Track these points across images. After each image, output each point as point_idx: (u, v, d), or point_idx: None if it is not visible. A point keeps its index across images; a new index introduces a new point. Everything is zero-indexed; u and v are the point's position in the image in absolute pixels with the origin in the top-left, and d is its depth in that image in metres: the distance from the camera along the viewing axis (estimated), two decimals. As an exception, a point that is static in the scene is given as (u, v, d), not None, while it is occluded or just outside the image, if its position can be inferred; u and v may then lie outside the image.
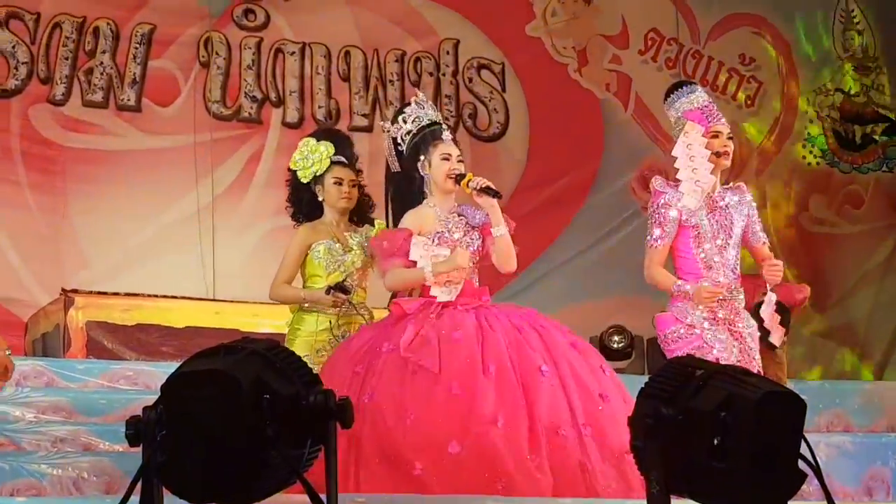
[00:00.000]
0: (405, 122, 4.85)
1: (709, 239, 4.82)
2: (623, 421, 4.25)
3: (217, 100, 9.53)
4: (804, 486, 2.76)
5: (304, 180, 5.30)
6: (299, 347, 5.02)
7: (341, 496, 2.63)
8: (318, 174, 5.27)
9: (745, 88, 10.74)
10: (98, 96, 9.27)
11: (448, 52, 10.21)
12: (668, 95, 5.01)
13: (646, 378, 2.90)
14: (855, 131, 11.01)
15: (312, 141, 5.34)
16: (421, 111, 4.86)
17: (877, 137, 11.02)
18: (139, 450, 2.62)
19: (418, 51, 10.13)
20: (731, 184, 5.05)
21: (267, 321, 7.26)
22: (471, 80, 10.23)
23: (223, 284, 8.93)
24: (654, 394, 2.75)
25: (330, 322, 5.14)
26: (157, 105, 9.40)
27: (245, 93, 9.65)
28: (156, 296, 8.30)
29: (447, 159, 4.75)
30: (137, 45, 9.39)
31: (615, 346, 9.02)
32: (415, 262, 4.66)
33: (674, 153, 4.87)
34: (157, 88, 9.40)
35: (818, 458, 2.77)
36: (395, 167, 4.88)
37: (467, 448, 4.10)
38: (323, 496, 2.55)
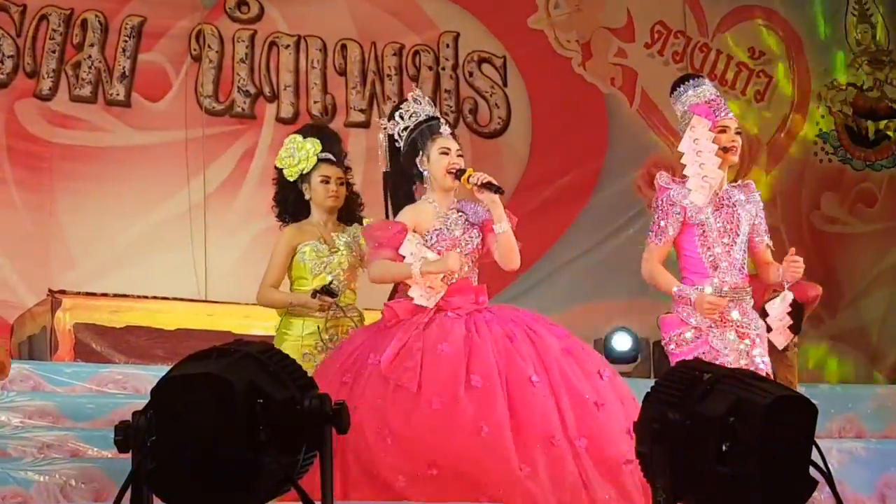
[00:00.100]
0: (402, 118, 4.85)
1: (715, 238, 4.82)
2: (620, 429, 4.27)
3: (209, 94, 9.53)
4: (815, 494, 2.77)
5: (291, 178, 5.29)
6: (286, 352, 5.02)
7: (337, 504, 2.63)
8: (304, 172, 5.26)
9: (754, 83, 10.74)
10: (86, 91, 9.27)
11: (448, 46, 10.21)
12: (674, 89, 5.01)
13: (652, 382, 2.90)
14: (868, 127, 11.00)
15: (299, 137, 5.33)
16: (418, 107, 4.87)
17: (890, 133, 11.02)
18: (128, 456, 2.62)
19: (417, 44, 10.13)
20: (739, 181, 5.05)
21: (260, 323, 7.25)
22: (471, 74, 10.23)
23: (215, 285, 8.94)
24: (660, 398, 2.76)
25: (317, 326, 5.13)
26: (147, 100, 9.40)
27: (238, 87, 9.64)
28: (146, 297, 8.31)
29: (446, 154, 4.76)
30: (127, 38, 9.39)
31: (620, 349, 9.02)
32: (403, 258, 4.66)
33: (680, 148, 4.87)
34: (147, 83, 9.40)
35: (830, 465, 2.77)
36: (385, 166, 4.89)
37: (447, 466, 4.13)
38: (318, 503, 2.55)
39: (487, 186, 4.66)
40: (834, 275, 10.55)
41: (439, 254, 4.67)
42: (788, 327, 4.99)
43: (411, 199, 4.84)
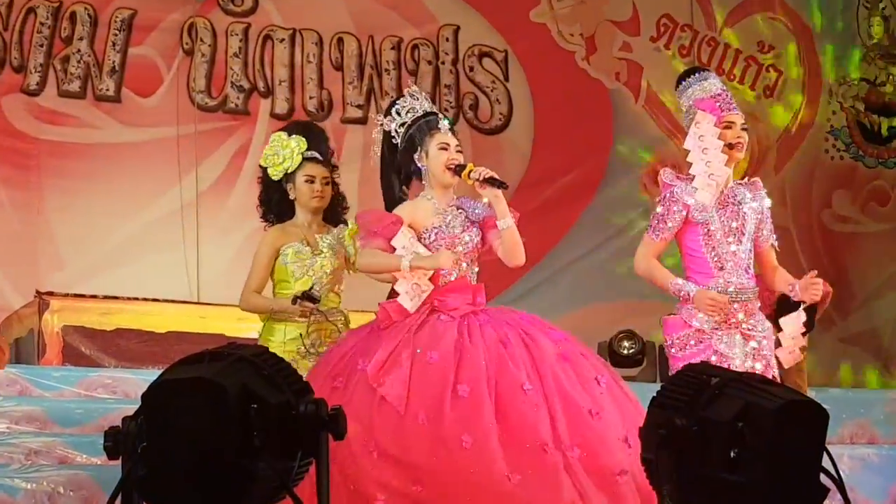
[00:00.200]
0: (398, 113, 4.86)
1: (720, 237, 4.82)
2: (616, 438, 4.27)
3: (201, 90, 9.53)
4: (826, 502, 2.77)
5: (275, 178, 5.27)
6: None
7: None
8: (289, 171, 5.25)
9: (763, 78, 10.74)
10: (75, 86, 9.27)
11: (448, 39, 10.21)
12: (679, 82, 5.01)
13: (658, 386, 2.90)
14: (881, 123, 11.01)
15: (284, 135, 5.31)
16: (415, 102, 4.87)
17: (904, 130, 11.03)
18: (118, 463, 2.62)
19: (416, 38, 10.13)
20: (746, 179, 5.04)
21: (254, 326, 7.25)
22: (472, 68, 10.23)
23: (208, 287, 8.93)
24: (666, 403, 2.76)
25: (300, 332, 5.12)
26: (137, 95, 9.39)
27: (231, 82, 9.64)
28: (136, 298, 8.31)
29: (445, 149, 4.76)
30: (117, 32, 9.38)
31: (625, 352, 9.03)
32: (394, 249, 4.67)
33: (685, 145, 4.87)
34: (137, 77, 9.40)
35: (841, 472, 2.77)
36: (376, 163, 4.90)
37: (432, 483, 4.14)
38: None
39: (490, 181, 4.65)
40: (845, 275, 10.55)
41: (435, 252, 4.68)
42: (799, 348, 4.98)
43: (403, 197, 4.85)
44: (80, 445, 5.84)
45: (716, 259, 4.81)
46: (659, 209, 4.84)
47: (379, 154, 4.90)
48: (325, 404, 2.60)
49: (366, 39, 9.98)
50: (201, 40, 9.57)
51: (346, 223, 5.28)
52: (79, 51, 9.29)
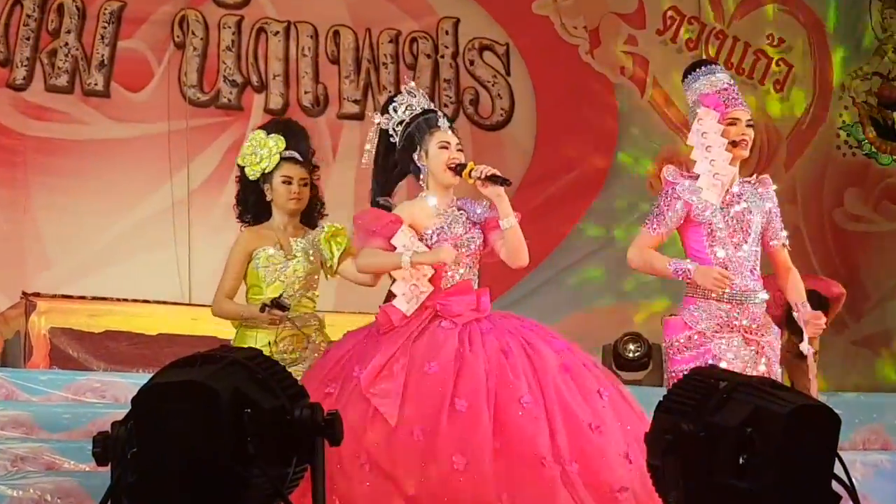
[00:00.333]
0: (396, 111, 4.85)
1: (724, 237, 4.81)
2: (616, 454, 4.27)
3: (193, 84, 9.53)
4: (838, 509, 2.77)
5: (252, 177, 5.25)
6: None
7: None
8: (266, 171, 5.23)
9: (773, 72, 10.74)
10: (62, 80, 9.27)
11: (447, 32, 10.21)
12: (685, 76, 5.01)
13: (664, 391, 2.90)
14: (895, 119, 11.01)
15: (262, 134, 5.29)
16: (413, 99, 4.86)
17: (918, 126, 11.03)
18: (107, 469, 2.62)
19: (414, 30, 10.13)
20: (754, 176, 5.04)
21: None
22: (472, 62, 10.23)
23: (200, 287, 8.91)
24: (673, 408, 2.76)
25: (268, 340, 5.07)
26: (127, 90, 9.39)
27: (224, 76, 9.65)
28: (126, 300, 8.31)
29: (445, 148, 4.76)
30: (106, 24, 9.39)
31: (630, 355, 9.03)
32: (394, 249, 4.67)
33: (688, 142, 4.87)
34: (127, 72, 9.40)
35: (853, 478, 2.77)
36: (368, 161, 4.89)
37: (420, 502, 4.13)
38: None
39: (493, 179, 4.64)
40: (857, 276, 10.55)
41: None
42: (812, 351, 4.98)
43: (386, 206, 4.85)
44: (67, 451, 5.84)
45: (719, 260, 4.80)
46: (658, 203, 4.85)
47: (374, 152, 4.89)
48: (321, 409, 2.61)
49: (363, 32, 9.98)
50: (193, 33, 9.57)
51: (322, 226, 5.27)
52: (66, 44, 9.29)
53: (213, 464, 2.50)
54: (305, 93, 9.83)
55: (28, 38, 9.21)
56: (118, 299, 8.26)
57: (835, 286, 8.14)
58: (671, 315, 4.89)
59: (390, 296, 4.80)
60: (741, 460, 2.63)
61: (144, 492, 2.55)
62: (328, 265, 5.20)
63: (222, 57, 9.65)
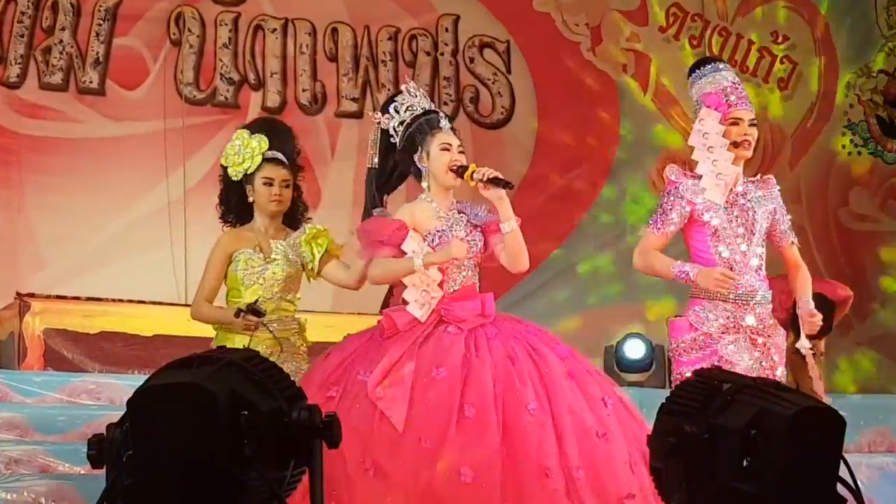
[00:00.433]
0: (397, 111, 4.84)
1: (729, 237, 4.81)
2: (622, 462, 4.28)
3: (189, 82, 9.53)
4: (843, 513, 2.77)
5: (235, 178, 5.25)
6: None
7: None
8: (248, 172, 5.22)
9: (777, 70, 10.74)
10: (57, 78, 9.27)
11: (447, 30, 10.21)
12: (690, 73, 5.01)
13: (667, 392, 2.90)
14: (901, 117, 11.01)
15: (245, 133, 5.28)
16: (413, 99, 4.85)
17: (924, 124, 11.03)
18: (103, 472, 2.62)
19: (414, 28, 10.13)
20: (758, 176, 5.03)
21: (245, 329, 7.25)
22: (472, 60, 10.23)
23: (196, 288, 8.92)
24: (676, 410, 2.76)
25: (243, 344, 5.03)
26: (122, 88, 9.39)
27: (221, 74, 9.64)
28: (121, 300, 8.30)
29: (447, 150, 4.74)
30: (101, 21, 9.38)
31: (632, 356, 9.01)
32: (404, 254, 4.65)
33: (690, 142, 4.87)
34: (122, 69, 9.40)
35: (859, 481, 2.77)
36: (373, 162, 4.87)
37: None
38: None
39: (494, 182, 4.63)
40: (863, 276, 10.55)
41: None
42: (818, 353, 4.98)
43: (391, 188, 4.86)
44: (62, 454, 5.84)
45: (724, 261, 4.80)
46: (662, 203, 4.85)
47: (378, 154, 4.86)
48: (319, 411, 2.60)
49: (361, 29, 9.98)
50: (189, 30, 9.57)
51: (304, 228, 5.25)
52: (61, 41, 9.29)
53: (210, 466, 2.49)
54: (303, 91, 9.83)
55: (22, 36, 9.21)
56: (114, 300, 8.25)
57: (841, 289, 8.13)
58: (676, 316, 4.88)
59: (388, 300, 4.80)
60: (745, 463, 2.63)
61: (140, 495, 2.55)
62: (309, 267, 5.18)
63: (219, 54, 9.65)
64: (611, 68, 10.46)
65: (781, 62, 10.76)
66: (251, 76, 9.73)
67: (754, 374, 4.64)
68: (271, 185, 5.20)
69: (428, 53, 10.14)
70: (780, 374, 4.83)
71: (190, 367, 2.63)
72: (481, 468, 4.17)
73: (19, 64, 9.18)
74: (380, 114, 4.91)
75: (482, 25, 10.24)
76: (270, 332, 5.05)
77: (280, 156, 5.26)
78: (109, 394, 6.98)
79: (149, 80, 9.45)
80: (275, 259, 5.19)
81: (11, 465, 5.69)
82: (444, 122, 4.82)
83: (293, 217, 5.32)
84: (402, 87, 4.94)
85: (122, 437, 2.57)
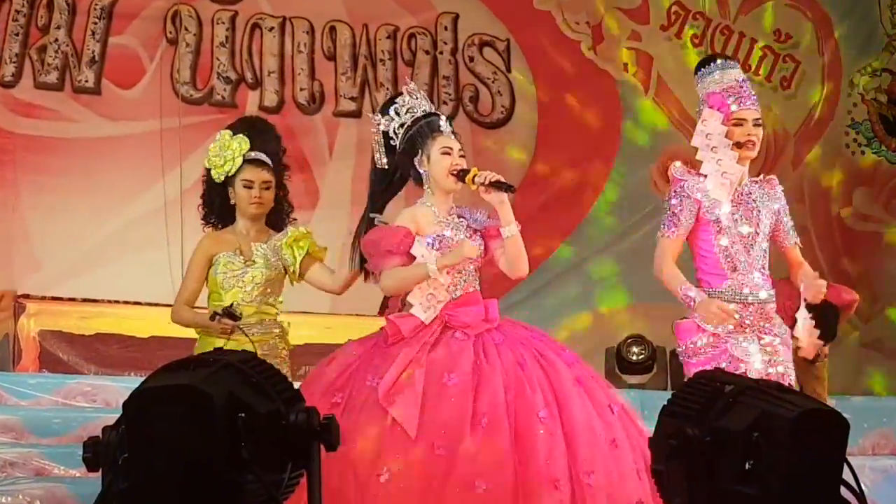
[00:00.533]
0: (398, 113, 4.82)
1: (733, 236, 4.81)
2: (631, 468, 4.28)
3: (186, 81, 9.53)
4: (846, 516, 2.77)
5: (218, 180, 5.22)
6: None
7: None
8: (230, 174, 5.19)
9: (780, 68, 10.74)
10: (52, 77, 9.27)
11: (446, 28, 10.21)
12: (697, 71, 5.00)
13: (669, 394, 2.90)
14: (905, 116, 11.01)
15: (228, 134, 5.25)
16: (414, 101, 4.84)
17: (929, 123, 11.03)
18: (98, 475, 2.62)
19: (413, 26, 10.13)
20: (761, 177, 5.03)
21: (242, 330, 7.26)
22: (472, 58, 10.23)
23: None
24: (678, 412, 2.76)
25: (221, 346, 5.04)
26: (118, 87, 9.40)
27: (218, 73, 9.65)
28: (117, 302, 8.32)
29: (448, 154, 4.73)
30: (97, 20, 9.39)
31: (634, 358, 9.02)
32: (412, 260, 4.64)
33: (693, 143, 4.87)
34: (118, 68, 9.40)
35: (862, 484, 2.77)
36: (382, 163, 4.85)
37: None
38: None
39: (496, 185, 4.61)
40: (867, 277, 10.56)
41: None
42: (818, 337, 4.97)
43: (391, 194, 4.85)
44: (57, 457, 5.84)
45: (728, 259, 4.80)
46: (670, 205, 4.83)
47: (384, 158, 4.84)
48: (317, 413, 2.60)
49: (360, 28, 9.99)
50: (186, 29, 9.57)
51: (286, 230, 5.23)
52: (56, 40, 9.29)
53: (207, 469, 2.49)
54: (301, 90, 9.83)
55: (17, 34, 9.21)
56: (109, 301, 8.27)
57: (846, 293, 8.13)
58: (682, 318, 4.87)
59: (386, 301, 4.79)
60: (747, 466, 2.63)
61: (136, 498, 2.55)
62: (291, 270, 5.18)
63: (216, 53, 9.65)
64: (612, 67, 10.46)
65: (784, 61, 10.76)
66: (248, 75, 9.73)
67: (764, 373, 4.66)
68: (251, 187, 5.17)
69: (427, 52, 10.15)
70: (791, 373, 4.83)
71: (187, 368, 2.63)
72: (494, 479, 4.16)
73: (14, 63, 9.19)
74: (379, 115, 4.89)
75: (482, 24, 10.24)
76: (246, 335, 5.00)
77: (262, 157, 5.23)
78: (105, 396, 6.98)
79: (145, 80, 9.46)
80: (255, 262, 5.17)
81: (6, 468, 5.70)
82: (445, 126, 4.80)
83: (277, 218, 5.30)
84: (402, 89, 4.91)
85: (119, 440, 2.57)
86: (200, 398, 2.51)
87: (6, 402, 6.82)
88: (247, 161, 5.19)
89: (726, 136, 4.80)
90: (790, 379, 4.79)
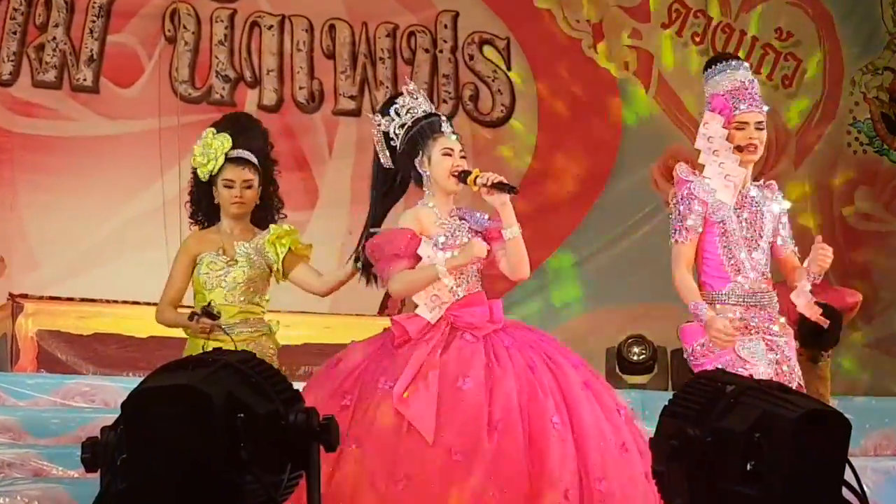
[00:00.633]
0: (398, 114, 4.80)
1: (737, 238, 4.81)
2: (641, 473, 4.28)
3: (185, 80, 9.53)
4: (848, 517, 2.77)
5: (204, 179, 5.20)
6: None
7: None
8: (213, 173, 5.17)
9: (781, 67, 10.74)
10: (50, 76, 9.27)
11: (446, 26, 10.21)
12: (705, 70, 5.00)
13: (670, 395, 2.90)
14: (907, 115, 11.01)
15: (212, 133, 5.22)
16: (414, 101, 4.83)
17: (931, 122, 11.03)
18: (97, 476, 2.62)
19: (412, 24, 10.13)
20: (761, 181, 5.03)
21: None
22: (472, 57, 10.24)
23: (192, 289, 8.92)
24: (679, 412, 2.76)
25: (202, 347, 4.95)
26: (116, 86, 9.40)
27: (216, 72, 9.65)
28: (116, 301, 8.30)
29: (449, 155, 4.71)
30: (95, 18, 9.39)
31: (635, 358, 9.03)
32: (420, 261, 4.63)
33: (696, 146, 4.86)
34: (116, 67, 9.40)
35: (864, 486, 2.77)
36: (388, 164, 4.83)
37: None
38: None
39: (499, 187, 4.60)
40: (869, 277, 10.56)
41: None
42: (828, 333, 4.97)
43: (392, 201, 4.84)
44: (56, 457, 5.84)
45: (732, 262, 4.80)
46: (678, 209, 4.82)
47: (389, 159, 4.82)
48: (317, 414, 2.60)
49: (359, 26, 9.99)
50: (184, 27, 9.57)
51: (270, 228, 5.21)
52: (54, 38, 9.29)
53: (206, 470, 2.49)
54: (300, 88, 9.83)
55: (15, 32, 9.21)
56: (108, 301, 8.26)
57: (849, 296, 8.13)
58: (687, 322, 4.86)
59: (385, 301, 4.78)
60: (749, 466, 2.63)
61: (135, 499, 2.55)
62: (275, 269, 5.17)
63: (215, 52, 9.66)
64: (612, 65, 10.47)
65: (785, 59, 10.76)
66: (247, 74, 9.73)
67: (772, 373, 4.66)
68: (232, 187, 5.15)
69: (427, 51, 10.15)
70: (798, 372, 4.83)
71: (185, 368, 2.63)
72: (508, 486, 4.16)
73: (12, 61, 9.19)
74: (379, 116, 4.88)
75: (482, 22, 10.25)
76: (227, 334, 4.99)
77: (245, 154, 5.20)
78: (104, 396, 6.98)
79: (143, 78, 9.46)
80: (237, 261, 5.15)
81: (4, 469, 5.69)
82: (446, 126, 4.78)
83: (264, 216, 5.27)
84: (402, 89, 4.89)
85: (117, 441, 2.57)
86: (199, 398, 2.51)
87: (4, 402, 6.81)
88: (228, 160, 5.16)
89: (727, 140, 4.80)
90: (798, 379, 4.78)
